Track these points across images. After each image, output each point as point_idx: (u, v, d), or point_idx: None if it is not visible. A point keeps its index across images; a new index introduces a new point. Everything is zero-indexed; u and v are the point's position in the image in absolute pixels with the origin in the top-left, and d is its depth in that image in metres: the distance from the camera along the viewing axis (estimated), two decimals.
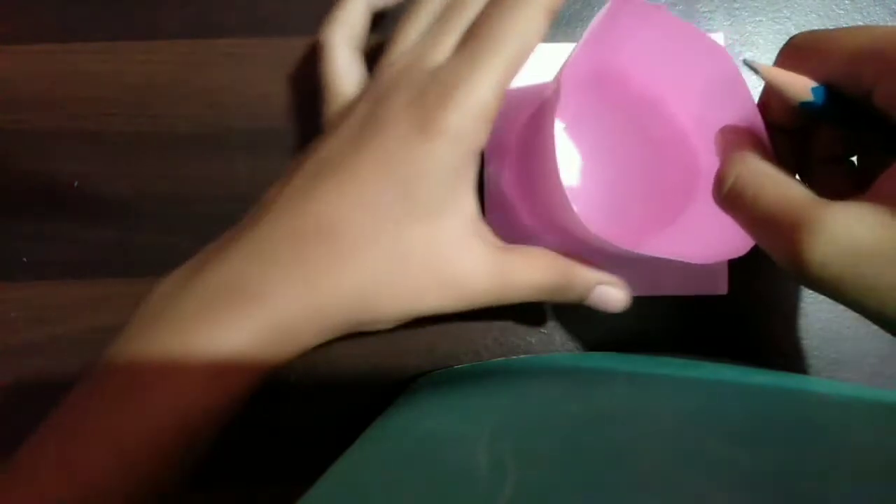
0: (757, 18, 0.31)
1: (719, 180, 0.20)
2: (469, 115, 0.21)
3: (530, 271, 0.23)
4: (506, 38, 0.21)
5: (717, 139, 0.22)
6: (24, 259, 0.30)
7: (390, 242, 0.21)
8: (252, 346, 0.21)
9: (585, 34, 0.22)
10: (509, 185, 0.29)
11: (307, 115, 0.31)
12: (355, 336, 0.23)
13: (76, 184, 0.31)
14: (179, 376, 0.20)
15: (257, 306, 0.21)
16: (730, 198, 0.19)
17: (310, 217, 0.21)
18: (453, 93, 0.21)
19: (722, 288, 0.29)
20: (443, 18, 0.23)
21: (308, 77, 0.31)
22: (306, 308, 0.21)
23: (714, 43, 0.23)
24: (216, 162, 0.31)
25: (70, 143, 0.31)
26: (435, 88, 0.21)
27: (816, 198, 0.17)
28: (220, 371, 0.21)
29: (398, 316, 0.22)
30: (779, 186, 0.18)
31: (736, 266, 0.30)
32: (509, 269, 0.23)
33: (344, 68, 0.26)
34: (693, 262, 0.22)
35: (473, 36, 0.22)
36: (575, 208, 0.21)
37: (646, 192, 0.29)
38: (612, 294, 0.25)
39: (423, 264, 0.22)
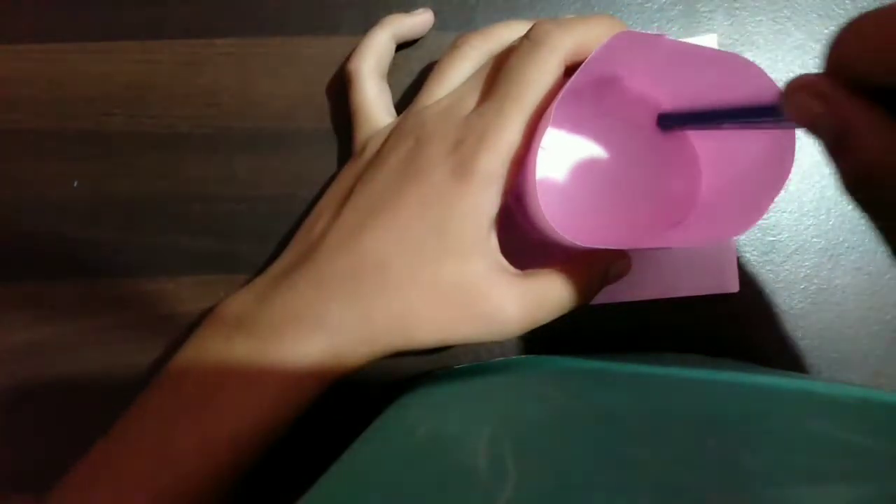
0: (757, 18, 0.31)
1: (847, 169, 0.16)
2: (498, 157, 0.23)
3: (553, 291, 0.25)
4: (526, 86, 0.23)
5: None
6: (24, 259, 0.30)
7: (428, 279, 0.24)
8: (315, 364, 0.23)
9: (587, 60, 0.22)
10: (511, 199, 0.29)
11: (307, 115, 0.31)
12: None
13: (76, 184, 0.31)
14: (259, 382, 0.23)
15: (320, 333, 0.23)
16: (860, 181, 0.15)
17: (360, 255, 0.24)
18: (484, 138, 0.23)
19: (733, 286, 0.29)
20: (476, 73, 0.26)
21: (308, 77, 0.31)
22: (359, 336, 0.24)
23: (711, 52, 0.23)
24: (216, 162, 0.31)
25: (70, 143, 0.31)
26: (469, 136, 0.23)
27: None
28: (292, 381, 0.23)
29: (434, 344, 0.24)
30: None
31: (737, 266, 0.30)
32: (534, 295, 0.25)
33: (374, 96, 0.29)
34: (688, 246, 0.22)
35: (499, 85, 0.24)
36: (579, 212, 0.22)
37: (651, 195, 0.29)
38: (619, 269, 0.27)
39: (458, 298, 0.24)
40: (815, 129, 0.16)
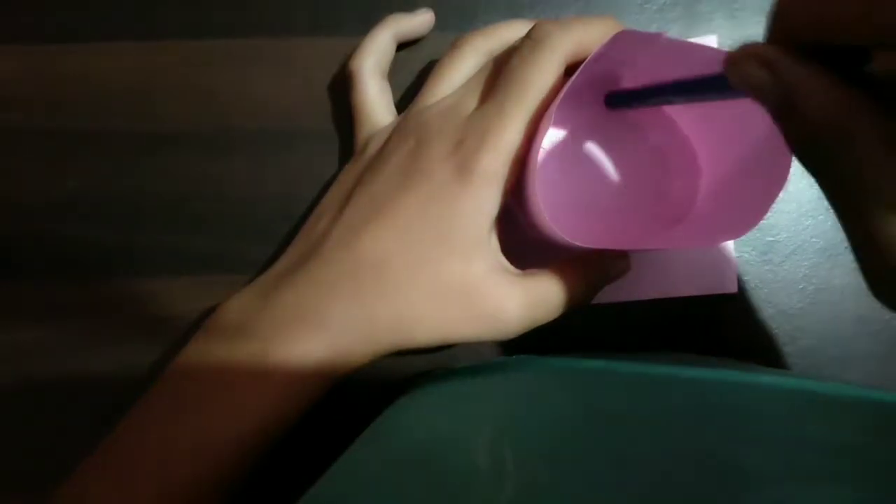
0: (757, 19, 0.31)
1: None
2: (499, 157, 0.23)
3: (554, 291, 0.25)
4: (527, 86, 0.23)
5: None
6: (24, 259, 0.30)
7: (430, 279, 0.24)
8: (317, 364, 0.23)
9: (587, 60, 0.22)
10: (511, 199, 0.29)
11: (308, 115, 0.31)
12: None
13: (76, 184, 0.31)
14: (261, 383, 0.23)
15: (322, 332, 0.23)
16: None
17: (362, 254, 0.24)
18: (485, 139, 0.23)
19: (732, 286, 0.29)
20: (478, 73, 0.26)
21: (308, 77, 0.31)
22: (361, 335, 0.24)
23: (712, 51, 0.23)
24: (216, 162, 0.31)
25: (70, 143, 0.31)
26: (470, 137, 0.24)
27: None
28: (294, 381, 0.23)
29: (435, 343, 0.25)
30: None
31: (736, 266, 0.30)
32: (535, 295, 0.25)
33: (375, 95, 0.29)
34: (687, 247, 0.22)
35: (500, 85, 0.24)
36: (579, 212, 0.22)
37: (650, 195, 0.29)
38: (619, 269, 0.27)
39: (459, 298, 0.24)
40: (760, 96, 0.16)
